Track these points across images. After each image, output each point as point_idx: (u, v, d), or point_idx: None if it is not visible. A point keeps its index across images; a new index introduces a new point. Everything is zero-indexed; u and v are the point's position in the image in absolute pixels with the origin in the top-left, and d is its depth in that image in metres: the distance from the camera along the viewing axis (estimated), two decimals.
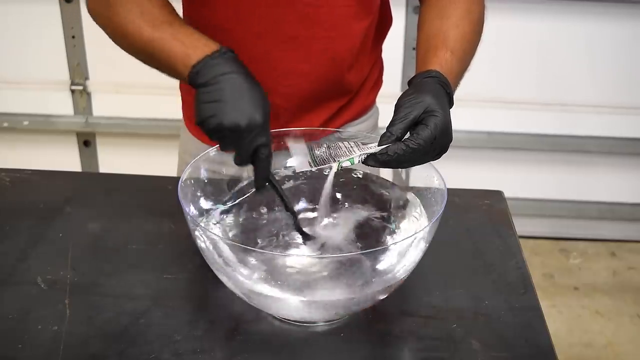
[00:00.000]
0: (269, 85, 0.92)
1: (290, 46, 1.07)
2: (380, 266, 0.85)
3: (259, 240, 0.94)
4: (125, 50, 0.99)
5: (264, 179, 0.88)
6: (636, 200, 2.48)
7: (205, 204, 0.95)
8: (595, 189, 2.47)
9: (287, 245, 0.94)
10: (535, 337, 0.87)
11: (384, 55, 1.23)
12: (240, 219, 0.96)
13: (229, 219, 0.95)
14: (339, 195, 0.98)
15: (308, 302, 0.82)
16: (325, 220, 0.94)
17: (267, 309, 0.87)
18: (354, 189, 0.99)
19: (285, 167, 1.00)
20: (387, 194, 0.99)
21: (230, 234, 0.93)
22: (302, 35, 1.06)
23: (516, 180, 2.44)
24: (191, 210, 0.91)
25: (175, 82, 1.06)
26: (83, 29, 2.23)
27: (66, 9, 2.22)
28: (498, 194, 1.15)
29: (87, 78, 2.32)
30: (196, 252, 0.87)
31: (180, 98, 1.24)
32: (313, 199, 0.98)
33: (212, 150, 0.94)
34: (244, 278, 0.84)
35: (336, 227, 0.94)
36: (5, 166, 1.19)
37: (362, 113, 1.22)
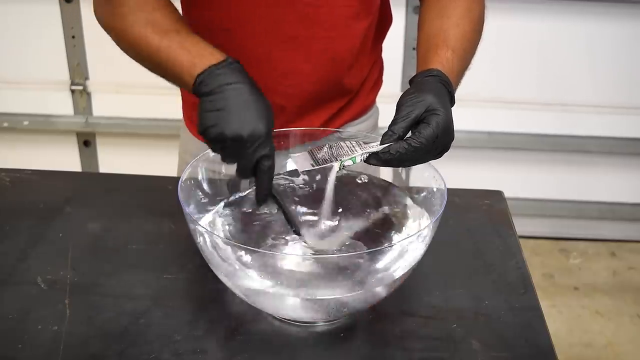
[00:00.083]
0: (269, 85, 0.92)
1: (291, 46, 1.07)
2: (380, 266, 0.85)
3: (259, 240, 0.94)
4: (131, 58, 0.98)
5: (266, 193, 0.87)
6: (636, 200, 2.48)
7: (205, 204, 0.95)
8: (596, 189, 2.47)
9: (287, 245, 0.94)
10: (535, 337, 0.87)
11: (384, 55, 1.23)
12: (240, 219, 0.96)
13: (229, 218, 0.95)
14: (340, 197, 0.98)
15: (308, 301, 0.82)
16: (327, 221, 0.94)
17: (267, 309, 0.87)
18: (355, 190, 0.99)
19: (286, 172, 1.00)
20: (387, 194, 0.99)
21: (230, 234, 0.93)
22: (302, 35, 1.06)
23: (516, 180, 2.44)
24: (191, 210, 0.91)
25: None
26: (83, 29, 2.24)
27: (66, 9, 2.22)
28: (498, 194, 1.15)
29: (87, 78, 2.32)
30: (196, 252, 0.87)
31: (180, 98, 1.24)
32: (315, 199, 0.97)
33: None
34: (244, 278, 0.84)
35: (337, 227, 0.94)
36: (5, 166, 1.19)
37: (362, 113, 1.22)
